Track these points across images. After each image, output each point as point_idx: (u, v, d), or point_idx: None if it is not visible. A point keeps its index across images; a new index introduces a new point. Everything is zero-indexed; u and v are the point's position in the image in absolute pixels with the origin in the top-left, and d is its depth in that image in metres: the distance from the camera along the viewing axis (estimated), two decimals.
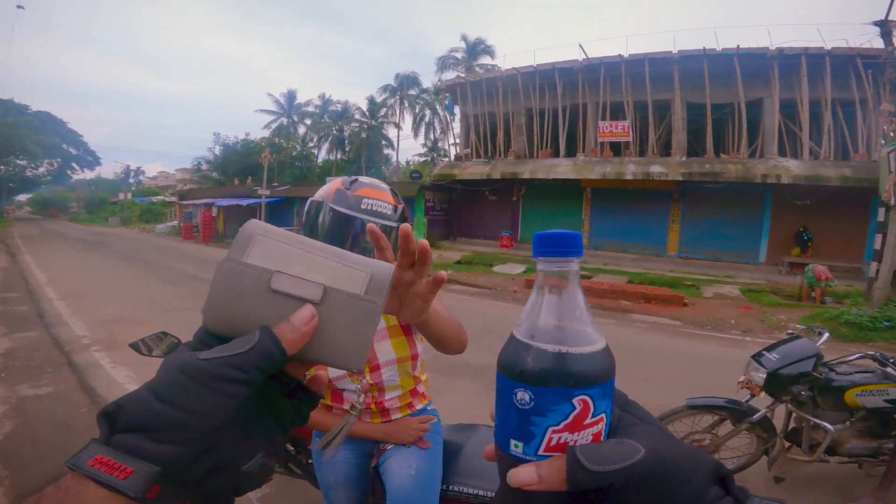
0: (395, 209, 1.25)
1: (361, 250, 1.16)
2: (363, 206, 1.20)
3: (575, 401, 0.34)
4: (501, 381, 0.36)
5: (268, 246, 0.41)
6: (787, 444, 2.63)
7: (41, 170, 38.43)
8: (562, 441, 0.34)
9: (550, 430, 0.34)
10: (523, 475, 0.34)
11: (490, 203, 18.55)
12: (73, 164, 39.42)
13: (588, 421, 0.34)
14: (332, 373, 1.27)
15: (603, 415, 0.35)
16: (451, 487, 1.32)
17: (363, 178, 1.29)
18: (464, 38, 28.23)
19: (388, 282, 0.42)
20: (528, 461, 0.35)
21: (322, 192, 1.28)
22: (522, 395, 0.34)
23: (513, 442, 0.36)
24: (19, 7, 22.86)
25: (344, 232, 1.21)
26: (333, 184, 1.28)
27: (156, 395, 0.33)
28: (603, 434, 0.36)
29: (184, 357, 0.35)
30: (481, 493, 1.28)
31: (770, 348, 2.57)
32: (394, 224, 1.23)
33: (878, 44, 11.12)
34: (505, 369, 0.36)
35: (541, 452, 0.35)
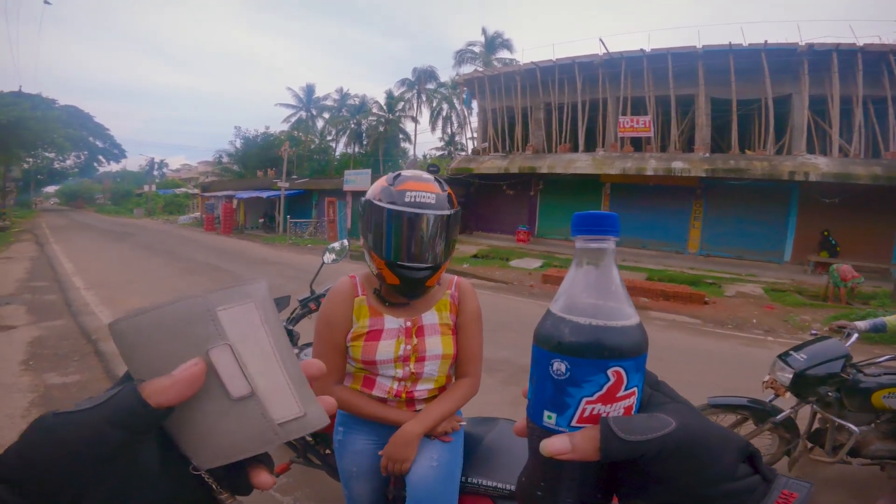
0: (439, 197, 1.29)
1: (407, 241, 1.26)
2: (407, 199, 1.25)
3: (609, 372, 0.35)
4: (538, 353, 0.38)
5: (248, 319, 0.36)
6: (809, 445, 2.59)
7: (68, 162, 39.43)
8: (595, 412, 0.36)
9: (584, 400, 0.35)
10: (557, 444, 0.35)
11: (507, 197, 18.44)
12: (100, 157, 40.26)
13: (621, 393, 0.36)
14: (380, 356, 1.30)
15: (635, 388, 0.37)
16: (469, 479, 1.33)
17: (406, 172, 1.34)
18: (483, 31, 28.10)
19: (310, 430, 0.37)
20: (560, 432, 0.36)
21: (371, 191, 1.34)
22: (559, 366, 0.36)
23: (546, 413, 0.37)
24: (46, 2, 23.33)
25: (391, 226, 1.26)
26: (379, 182, 1.34)
27: (18, 449, 0.31)
28: (634, 408, 0.37)
29: (46, 414, 0.32)
30: (500, 485, 1.28)
31: (797, 348, 2.52)
32: (436, 213, 1.27)
33: None
34: (542, 341, 0.38)
35: (573, 424, 0.36)
